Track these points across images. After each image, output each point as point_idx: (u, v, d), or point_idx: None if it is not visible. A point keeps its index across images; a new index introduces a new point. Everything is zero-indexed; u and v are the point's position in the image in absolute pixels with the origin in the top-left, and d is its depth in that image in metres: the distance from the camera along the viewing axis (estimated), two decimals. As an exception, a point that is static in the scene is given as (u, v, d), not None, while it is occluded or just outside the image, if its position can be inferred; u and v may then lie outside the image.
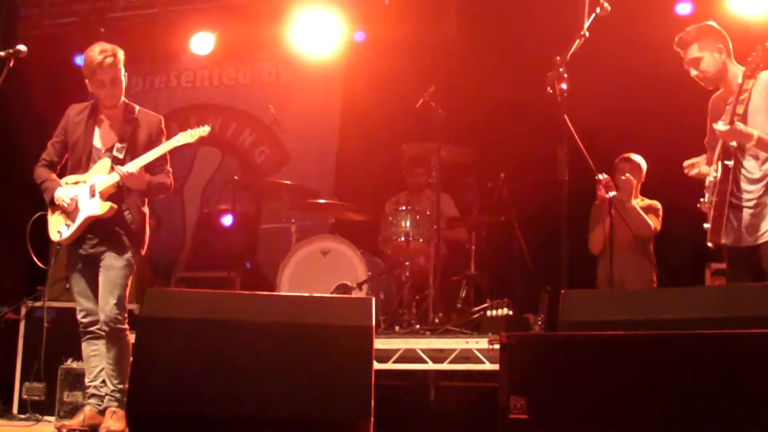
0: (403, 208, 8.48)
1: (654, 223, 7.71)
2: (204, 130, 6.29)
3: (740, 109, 5.52)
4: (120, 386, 6.11)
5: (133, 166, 6.10)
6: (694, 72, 5.90)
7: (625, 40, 8.48)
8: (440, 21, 9.64)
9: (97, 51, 6.17)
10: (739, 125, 5.52)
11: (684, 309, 4.61)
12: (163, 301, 5.22)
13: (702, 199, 5.82)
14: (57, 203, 6.23)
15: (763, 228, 5.65)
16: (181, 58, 11.23)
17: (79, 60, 10.23)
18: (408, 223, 8.33)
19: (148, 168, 6.20)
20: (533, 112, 7.62)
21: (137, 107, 6.40)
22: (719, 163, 5.66)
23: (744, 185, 5.70)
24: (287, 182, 9.51)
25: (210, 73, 11.55)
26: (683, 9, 8.86)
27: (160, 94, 11.58)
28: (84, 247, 6.22)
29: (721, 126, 5.57)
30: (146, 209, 6.39)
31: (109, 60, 6.12)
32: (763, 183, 5.68)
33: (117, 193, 6.17)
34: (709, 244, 5.78)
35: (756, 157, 5.69)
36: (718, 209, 5.64)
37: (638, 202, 7.73)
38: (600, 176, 6.93)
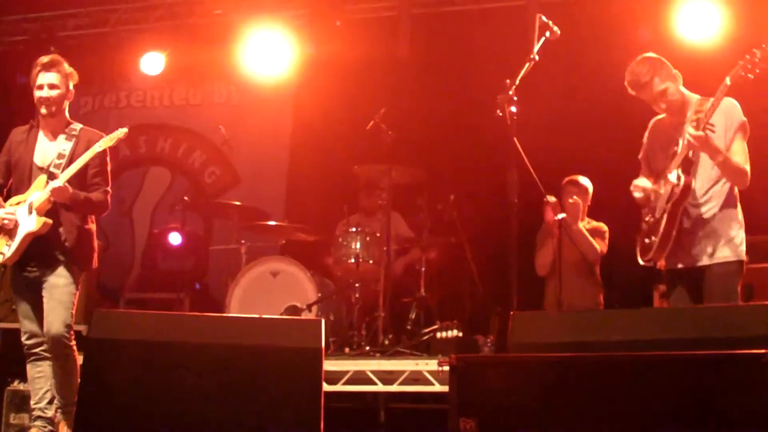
0: (354, 229, 8.46)
1: (600, 246, 7.74)
2: (121, 132, 6.24)
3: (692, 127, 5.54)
4: (70, 403, 6.02)
5: (60, 179, 6.07)
6: (663, 105, 5.79)
7: (574, 64, 8.57)
8: (391, 43, 9.67)
9: (45, 57, 6.30)
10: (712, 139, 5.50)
11: (633, 330, 4.64)
12: (112, 323, 5.19)
13: (647, 215, 5.83)
14: (-1, 224, 6.18)
15: (707, 250, 5.65)
16: (132, 77, 11.14)
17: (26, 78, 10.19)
18: (358, 245, 8.32)
19: (85, 184, 6.18)
20: (483, 134, 7.68)
21: (80, 125, 6.39)
22: (677, 171, 5.60)
23: (692, 207, 5.70)
24: (237, 203, 9.48)
25: (160, 93, 11.49)
26: (633, 33, 8.97)
27: (110, 113, 11.47)
28: (27, 269, 6.15)
29: (692, 131, 5.47)
30: (91, 226, 6.34)
31: (52, 64, 6.22)
32: (712, 204, 5.68)
33: (52, 209, 6.11)
34: (641, 262, 5.82)
35: (708, 179, 5.69)
36: (668, 227, 5.62)
37: (585, 225, 7.76)
38: (548, 198, 6.96)
